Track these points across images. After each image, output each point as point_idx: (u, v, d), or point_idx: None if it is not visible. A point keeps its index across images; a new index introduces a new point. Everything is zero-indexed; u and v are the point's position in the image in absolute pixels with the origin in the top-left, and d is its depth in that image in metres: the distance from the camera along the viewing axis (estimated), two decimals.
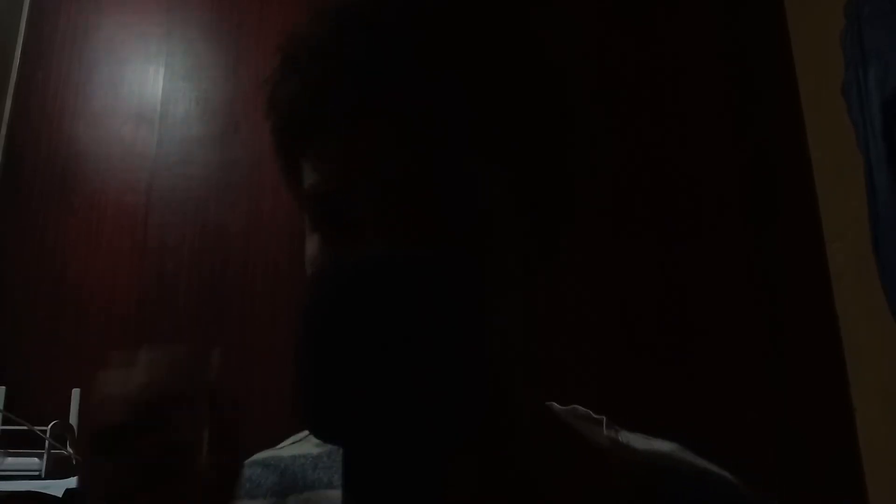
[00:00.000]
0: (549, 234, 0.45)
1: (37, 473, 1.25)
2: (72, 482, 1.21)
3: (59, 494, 1.13)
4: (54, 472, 1.26)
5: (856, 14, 1.19)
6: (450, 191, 0.38)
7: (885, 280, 1.13)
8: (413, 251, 0.35)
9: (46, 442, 1.26)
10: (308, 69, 0.40)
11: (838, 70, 1.25)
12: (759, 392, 1.38)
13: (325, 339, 0.30)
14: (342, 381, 0.30)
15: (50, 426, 1.27)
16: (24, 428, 1.28)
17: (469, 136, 0.39)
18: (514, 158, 0.41)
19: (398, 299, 0.30)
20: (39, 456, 1.27)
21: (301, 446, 0.53)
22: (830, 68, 1.30)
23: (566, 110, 0.45)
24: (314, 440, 0.51)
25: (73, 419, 1.37)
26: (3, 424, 1.33)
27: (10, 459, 1.29)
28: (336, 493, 0.45)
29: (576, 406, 0.51)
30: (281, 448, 0.54)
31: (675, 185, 1.51)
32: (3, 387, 1.39)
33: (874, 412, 1.31)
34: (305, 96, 0.41)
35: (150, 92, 1.66)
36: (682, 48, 1.59)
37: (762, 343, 1.41)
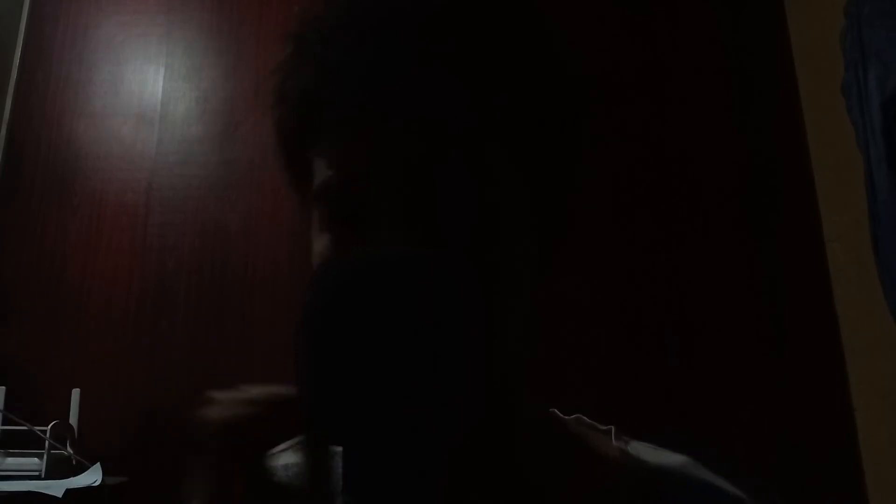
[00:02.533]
0: (555, 233, 0.43)
1: (37, 473, 1.25)
2: (72, 482, 1.21)
3: (59, 494, 1.13)
4: (54, 472, 1.26)
5: (856, 14, 1.19)
6: (459, 185, 0.37)
7: (884, 280, 1.13)
8: (412, 251, 0.35)
9: (46, 442, 1.26)
10: (321, 55, 0.38)
11: (838, 70, 1.24)
12: (760, 392, 1.38)
13: (323, 339, 0.30)
14: (341, 380, 0.30)
15: (50, 426, 1.27)
16: (24, 428, 1.28)
17: (484, 128, 0.38)
18: (526, 153, 0.40)
19: (396, 298, 0.30)
20: (39, 456, 1.27)
21: (287, 456, 0.50)
22: (830, 68, 1.30)
23: (577, 107, 0.43)
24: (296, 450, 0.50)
25: (73, 419, 1.37)
26: (3, 424, 1.33)
27: (10, 459, 1.29)
28: None
29: (580, 416, 0.50)
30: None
31: (675, 186, 1.51)
32: (3, 387, 1.39)
33: (874, 412, 1.31)
34: (319, 83, 0.38)
35: (150, 92, 1.66)
36: (681, 48, 1.59)
37: (762, 343, 1.41)
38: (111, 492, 1.28)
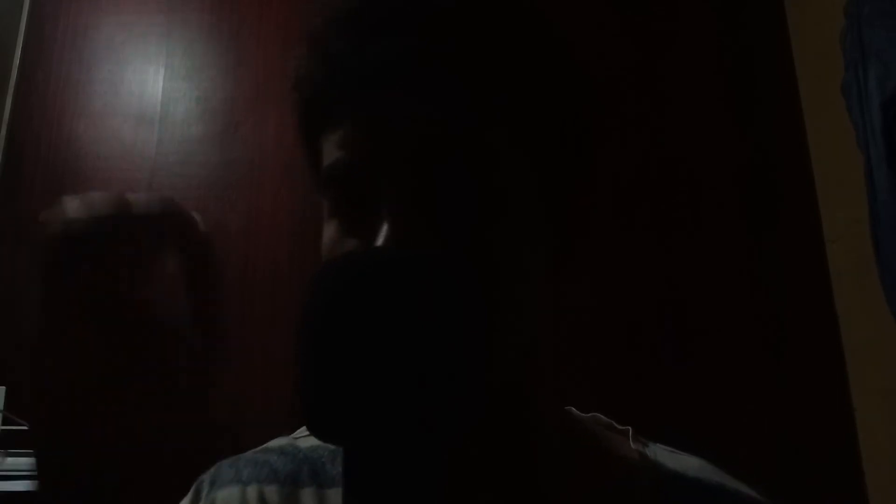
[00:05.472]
0: (568, 231, 0.44)
1: (37, 473, 1.25)
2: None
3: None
4: None
5: (856, 14, 1.19)
6: (460, 185, 0.37)
7: (884, 280, 1.13)
8: (412, 251, 0.35)
9: None
10: (331, 41, 0.40)
11: (838, 70, 1.25)
12: (760, 392, 1.38)
13: (324, 338, 0.30)
14: (341, 380, 0.30)
15: None
16: (24, 428, 1.28)
17: (492, 116, 0.38)
18: (537, 145, 0.40)
19: (396, 298, 0.30)
20: None
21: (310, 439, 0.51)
22: (830, 68, 1.30)
23: (589, 101, 0.44)
24: None
25: None
26: (3, 424, 1.33)
27: (10, 459, 1.29)
28: None
29: (597, 414, 0.50)
30: (297, 438, 0.52)
31: (676, 186, 1.51)
32: (3, 387, 1.39)
33: (874, 412, 1.31)
34: (328, 67, 0.40)
35: (150, 92, 1.66)
36: (682, 48, 1.59)
37: (762, 343, 1.41)
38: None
